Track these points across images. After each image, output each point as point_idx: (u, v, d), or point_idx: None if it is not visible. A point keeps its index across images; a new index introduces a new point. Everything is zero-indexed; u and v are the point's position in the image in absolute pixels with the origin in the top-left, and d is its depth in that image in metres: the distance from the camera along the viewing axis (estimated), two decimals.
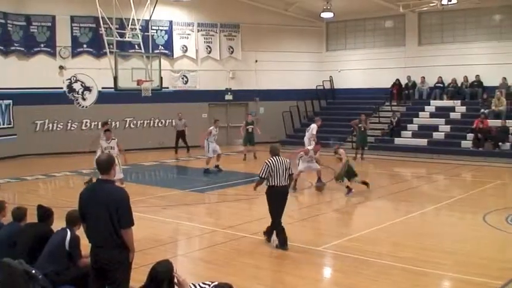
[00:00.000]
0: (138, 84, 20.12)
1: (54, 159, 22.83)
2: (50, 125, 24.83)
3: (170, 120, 26.34)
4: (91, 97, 25.58)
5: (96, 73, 24.83)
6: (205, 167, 19.39)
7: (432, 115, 25.52)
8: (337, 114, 27.97)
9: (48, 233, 7.07)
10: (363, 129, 22.89)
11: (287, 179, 9.96)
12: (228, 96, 28.71)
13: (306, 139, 19.44)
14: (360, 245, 10.01)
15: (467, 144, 22.95)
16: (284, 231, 9.85)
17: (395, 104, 27.24)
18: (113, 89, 20.60)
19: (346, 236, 10.80)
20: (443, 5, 24.33)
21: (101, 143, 15.43)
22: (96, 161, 6.17)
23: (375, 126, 25.85)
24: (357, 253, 9.48)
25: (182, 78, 27.62)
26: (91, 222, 5.99)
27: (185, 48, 27.61)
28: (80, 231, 6.62)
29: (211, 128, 19.88)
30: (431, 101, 26.21)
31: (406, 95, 27.34)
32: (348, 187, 14.92)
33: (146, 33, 21.82)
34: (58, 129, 25.01)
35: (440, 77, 26.41)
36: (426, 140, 24.27)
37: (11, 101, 23.55)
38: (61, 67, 24.87)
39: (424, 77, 26.90)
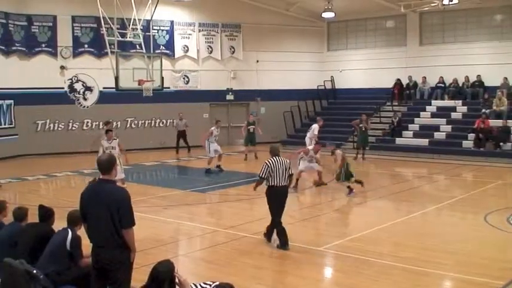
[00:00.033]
0: (139, 84, 20.10)
1: (56, 159, 22.83)
2: (51, 125, 24.84)
3: (171, 120, 26.34)
4: (92, 97, 25.59)
5: (97, 73, 24.85)
6: (207, 167, 19.39)
7: (433, 115, 25.50)
8: (338, 114, 27.95)
9: (50, 233, 7.07)
10: (363, 129, 22.88)
11: (287, 179, 10.00)
12: (229, 96, 28.71)
13: (307, 139, 19.53)
14: (361, 245, 10.01)
15: (468, 144, 22.93)
16: (285, 232, 9.86)
17: (396, 104, 27.22)
18: (114, 89, 20.57)
19: (347, 236, 10.80)
20: (444, 5, 24.33)
21: (102, 143, 15.40)
22: (97, 161, 6.16)
23: (376, 126, 25.85)
24: (358, 253, 9.48)
25: (183, 78, 27.62)
26: (92, 222, 6.00)
27: (186, 48, 27.61)
28: (81, 231, 6.63)
29: (212, 128, 19.86)
30: (433, 101, 26.20)
31: (407, 95, 27.32)
32: (349, 187, 14.92)
33: (147, 33, 21.78)
34: (59, 129, 25.02)
35: (442, 77, 26.39)
36: (427, 140, 24.26)
37: (12, 101, 23.57)
38: (62, 67, 24.88)
39: (425, 77, 26.89)
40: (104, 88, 24.95)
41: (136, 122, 26.43)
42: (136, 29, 20.83)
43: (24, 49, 24.01)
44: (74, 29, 25.09)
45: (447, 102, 25.75)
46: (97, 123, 24.79)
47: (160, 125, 26.96)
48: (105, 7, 19.90)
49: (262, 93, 28.94)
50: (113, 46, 20.29)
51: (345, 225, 12.64)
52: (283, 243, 9.79)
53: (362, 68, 29.27)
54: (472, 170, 20.31)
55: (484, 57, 25.18)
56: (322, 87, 30.03)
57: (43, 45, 24.52)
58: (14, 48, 23.63)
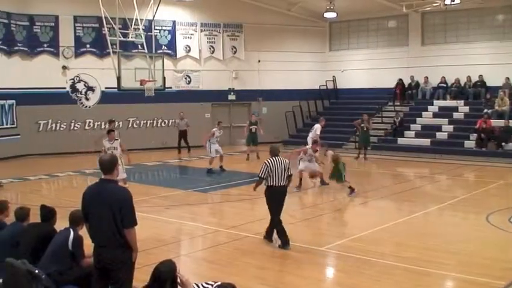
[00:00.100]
0: (141, 84, 20.12)
1: (57, 159, 22.86)
2: (53, 125, 24.87)
3: (173, 120, 26.33)
4: (94, 97, 25.61)
5: (99, 73, 24.87)
6: (209, 167, 19.40)
7: (435, 115, 25.50)
8: (340, 114, 27.95)
9: (51, 233, 7.08)
10: (365, 129, 22.88)
11: (286, 180, 10.06)
12: (231, 96, 28.71)
13: (309, 139, 19.50)
14: (362, 245, 10.01)
15: (470, 144, 22.91)
16: (285, 231, 9.89)
17: (398, 104, 27.19)
18: (116, 89, 20.60)
19: (349, 236, 10.79)
20: (446, 5, 24.28)
21: (103, 144, 15.37)
22: (99, 161, 6.16)
23: (378, 126, 25.85)
24: (359, 253, 9.47)
25: (185, 78, 27.63)
26: (94, 222, 6.00)
27: (188, 48, 27.62)
28: (83, 231, 6.63)
29: (214, 129, 19.85)
30: (435, 101, 26.18)
31: (409, 95, 27.31)
32: (350, 187, 14.92)
33: (149, 33, 21.81)
34: (61, 129, 25.05)
35: (444, 77, 26.37)
36: (429, 140, 24.24)
37: (14, 101, 23.60)
38: (64, 67, 24.90)
39: (427, 77, 26.87)
40: (105, 88, 24.99)
41: (138, 122, 26.44)
42: (138, 29, 20.84)
43: (26, 49, 24.04)
44: (76, 29, 25.12)
45: (449, 102, 25.73)
46: (99, 123, 24.84)
47: (162, 125, 26.97)
48: (107, 7, 19.91)
49: (264, 93, 28.94)
50: (114, 46, 20.31)
51: (347, 225, 12.62)
52: (284, 243, 9.82)
53: (364, 68, 29.26)
54: (474, 170, 20.29)
55: (486, 57, 25.15)
56: (324, 87, 30.03)
57: (45, 45, 24.55)
58: (16, 48, 23.66)
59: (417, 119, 25.70)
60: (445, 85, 26.36)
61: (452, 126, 24.44)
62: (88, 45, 25.30)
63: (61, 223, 7.33)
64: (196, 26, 27.81)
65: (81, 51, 25.22)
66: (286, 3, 28.47)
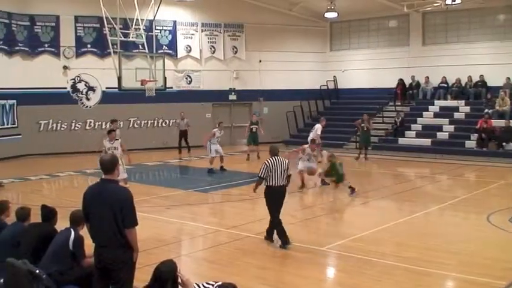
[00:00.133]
0: (142, 84, 20.13)
1: (58, 159, 22.87)
2: (54, 125, 24.88)
3: (174, 120, 26.28)
4: (95, 97, 25.63)
5: (100, 73, 24.90)
6: (209, 166, 19.40)
7: (436, 115, 25.49)
8: (341, 114, 27.96)
9: (52, 233, 7.08)
10: (365, 129, 22.87)
11: (285, 179, 10.08)
12: (232, 96, 28.71)
13: (310, 139, 19.48)
14: (363, 245, 10.01)
15: (471, 144, 22.90)
16: (285, 231, 9.91)
17: (399, 104, 27.18)
18: (116, 89, 20.63)
19: (349, 236, 10.78)
20: (447, 4, 24.29)
21: (104, 144, 15.35)
22: (99, 160, 6.16)
23: (379, 126, 25.85)
24: (360, 253, 9.48)
25: (186, 78, 27.63)
26: (95, 222, 6.00)
27: (189, 48, 27.62)
28: (84, 231, 6.64)
29: (215, 129, 19.84)
30: (435, 101, 26.17)
31: (410, 95, 27.30)
32: (350, 187, 14.92)
33: (150, 33, 21.80)
34: (62, 129, 25.06)
35: (444, 77, 26.35)
36: (430, 140, 24.23)
37: (15, 101, 23.62)
38: (65, 67, 24.92)
39: (428, 77, 26.86)
40: (106, 88, 25.01)
41: (139, 122, 26.45)
42: (139, 29, 20.85)
43: (27, 49, 24.06)
44: (77, 29, 25.14)
45: (450, 102, 25.72)
46: (100, 123, 24.87)
47: (163, 125, 26.98)
48: (108, 7, 19.92)
49: (265, 93, 28.94)
50: (115, 46, 20.33)
51: (347, 225, 12.61)
52: (284, 243, 9.84)
53: (365, 68, 29.26)
54: (475, 170, 20.28)
55: (486, 57, 25.14)
56: (325, 87, 30.03)
57: (46, 45, 24.56)
58: (16, 48, 23.67)
59: (418, 119, 25.70)
60: (445, 85, 26.35)
61: (453, 126, 24.43)
62: (89, 45, 25.31)
63: (62, 223, 7.33)
64: (197, 26, 27.81)
65: (82, 51, 25.24)
66: (287, 3, 28.46)
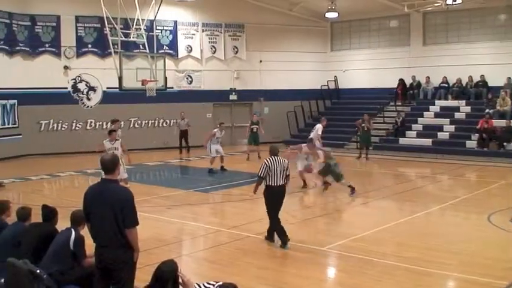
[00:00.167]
0: (142, 84, 20.13)
1: (59, 159, 22.88)
2: (55, 125, 24.89)
3: (175, 120, 26.28)
4: (96, 97, 25.64)
5: (100, 73, 24.91)
6: (210, 166, 19.40)
7: (437, 115, 25.48)
8: (341, 114, 27.96)
9: (53, 233, 7.08)
10: (366, 128, 22.87)
11: (284, 179, 10.08)
12: (233, 96, 28.72)
13: (309, 138, 19.46)
14: (364, 245, 10.00)
15: (472, 144, 22.90)
16: (284, 231, 9.91)
17: (400, 104, 27.17)
18: (117, 89, 20.63)
19: (350, 236, 10.77)
20: (448, 4, 24.28)
21: (104, 144, 15.29)
22: (100, 160, 6.16)
23: (380, 126, 25.85)
24: (361, 253, 9.47)
25: (187, 78, 27.64)
26: (96, 222, 6.00)
27: (190, 48, 27.63)
28: (85, 231, 6.64)
29: (215, 130, 19.81)
30: (436, 101, 26.16)
31: (410, 95, 27.29)
32: (350, 187, 14.91)
33: (151, 33, 21.82)
34: (63, 129, 25.07)
35: (445, 77, 26.35)
36: (431, 140, 24.22)
37: (15, 101, 23.63)
38: (66, 67, 24.93)
39: (428, 77, 26.85)
40: (107, 88, 25.03)
41: (139, 122, 26.46)
42: (140, 29, 20.86)
43: (27, 49, 24.06)
44: (78, 29, 25.15)
45: (451, 102, 25.71)
46: (100, 123, 24.88)
47: (164, 125, 26.98)
48: (109, 7, 19.93)
49: (265, 93, 28.95)
50: (116, 46, 20.33)
51: (348, 225, 12.60)
52: (284, 242, 9.84)
53: (365, 68, 29.25)
54: (476, 170, 20.28)
55: (487, 57, 25.13)
56: (326, 87, 30.03)
57: (47, 45, 24.57)
58: (17, 48, 23.68)
59: (419, 119, 25.69)
60: (446, 85, 26.34)
61: (453, 126, 24.42)
62: (90, 45, 25.32)
63: (62, 223, 7.33)
64: (198, 26, 27.82)
65: (82, 51, 25.25)
66: (288, 3, 28.46)
